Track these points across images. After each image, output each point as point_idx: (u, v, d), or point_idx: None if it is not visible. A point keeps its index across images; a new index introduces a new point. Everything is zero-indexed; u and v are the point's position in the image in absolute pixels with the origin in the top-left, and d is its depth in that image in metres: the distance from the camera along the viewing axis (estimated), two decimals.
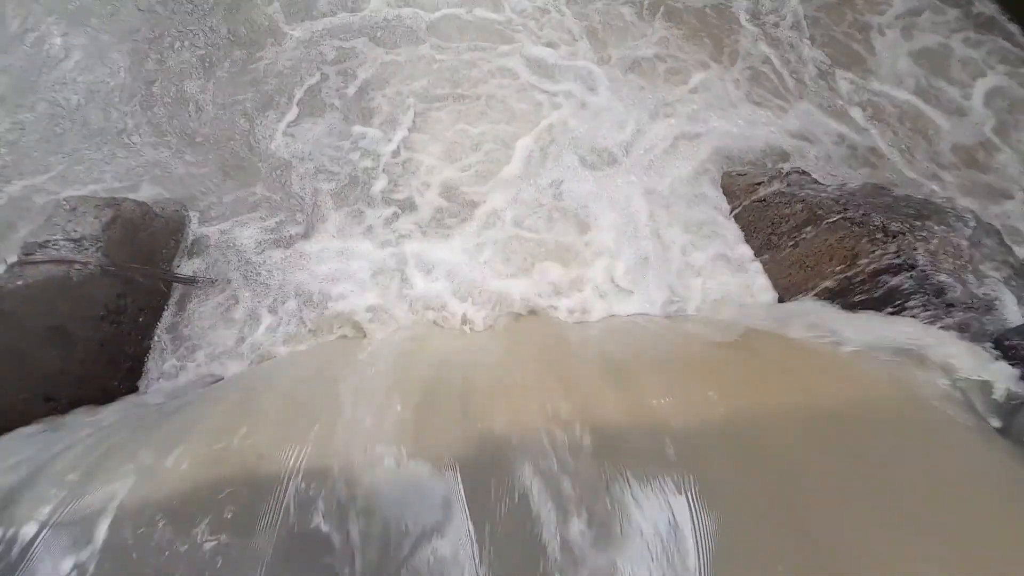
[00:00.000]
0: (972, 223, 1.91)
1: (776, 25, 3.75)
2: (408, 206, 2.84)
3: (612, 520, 1.28)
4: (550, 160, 3.02)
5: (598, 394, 1.63)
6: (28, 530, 1.33)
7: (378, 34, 3.56)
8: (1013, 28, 3.74)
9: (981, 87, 3.43)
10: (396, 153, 3.04)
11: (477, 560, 1.25)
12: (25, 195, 2.81)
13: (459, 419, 1.58)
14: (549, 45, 3.57)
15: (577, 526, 1.28)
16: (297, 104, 3.23)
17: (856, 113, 3.33)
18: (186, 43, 3.47)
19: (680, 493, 1.31)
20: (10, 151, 2.96)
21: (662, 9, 3.79)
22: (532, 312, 2.41)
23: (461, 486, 1.38)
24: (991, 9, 3.82)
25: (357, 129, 3.13)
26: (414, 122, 3.16)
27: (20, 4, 3.57)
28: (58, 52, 3.37)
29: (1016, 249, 1.92)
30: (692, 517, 1.27)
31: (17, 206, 2.77)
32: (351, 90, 3.29)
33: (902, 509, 1.26)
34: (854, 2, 3.89)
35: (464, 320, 2.37)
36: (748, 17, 3.79)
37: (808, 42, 3.67)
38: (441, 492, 1.37)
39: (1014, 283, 1.78)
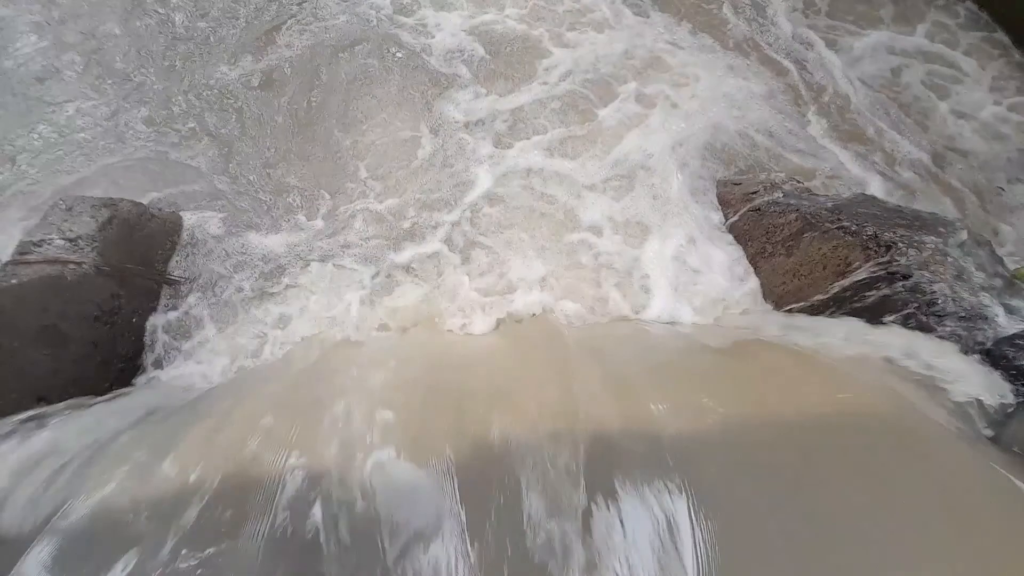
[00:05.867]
0: (964, 234, 1.94)
1: None
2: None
3: (609, 527, 1.28)
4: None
5: (596, 399, 1.63)
6: (15, 533, 1.32)
7: None
8: None
9: None
10: None
11: (471, 564, 1.24)
12: None
13: (456, 422, 1.58)
14: None
15: (573, 532, 1.27)
16: None
17: None
18: None
19: (677, 500, 1.31)
20: None
21: None
22: (532, 316, 2.42)
23: (456, 489, 1.37)
24: None
25: None
26: None
27: None
28: None
29: (1006, 260, 1.95)
30: (690, 524, 1.27)
31: None
32: None
33: (896, 516, 1.27)
34: None
35: (464, 323, 2.38)
36: None
37: None
38: (436, 495, 1.36)
39: (1004, 294, 1.80)
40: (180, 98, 3.23)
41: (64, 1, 3.62)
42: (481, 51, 3.51)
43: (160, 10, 3.62)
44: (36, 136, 3.03)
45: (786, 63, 3.53)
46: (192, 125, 3.14)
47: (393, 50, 3.48)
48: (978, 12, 3.81)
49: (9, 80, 3.24)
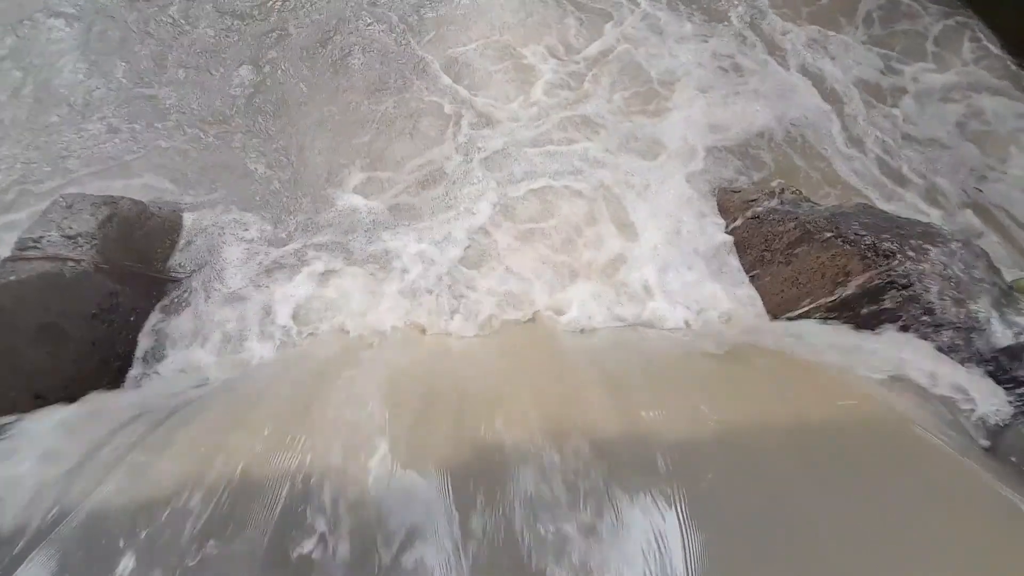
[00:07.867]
0: (961, 245, 1.95)
1: None
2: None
3: (601, 533, 1.28)
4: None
5: (592, 405, 1.64)
6: (15, 535, 1.31)
7: None
8: None
9: None
10: None
11: (465, 567, 1.24)
12: None
13: (452, 427, 1.58)
14: None
15: (566, 538, 1.28)
16: None
17: None
18: None
19: (670, 506, 1.31)
20: None
21: None
22: (531, 320, 2.42)
23: (451, 495, 1.38)
24: None
25: None
26: None
27: None
28: None
29: (1003, 271, 1.96)
30: (682, 530, 1.28)
31: None
32: None
33: (889, 525, 1.27)
34: None
35: (465, 326, 2.38)
36: None
37: None
38: (430, 500, 1.36)
39: (1001, 304, 1.81)
40: (186, 105, 3.24)
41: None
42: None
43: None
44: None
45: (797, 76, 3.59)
46: (194, 128, 3.15)
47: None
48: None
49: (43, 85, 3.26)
